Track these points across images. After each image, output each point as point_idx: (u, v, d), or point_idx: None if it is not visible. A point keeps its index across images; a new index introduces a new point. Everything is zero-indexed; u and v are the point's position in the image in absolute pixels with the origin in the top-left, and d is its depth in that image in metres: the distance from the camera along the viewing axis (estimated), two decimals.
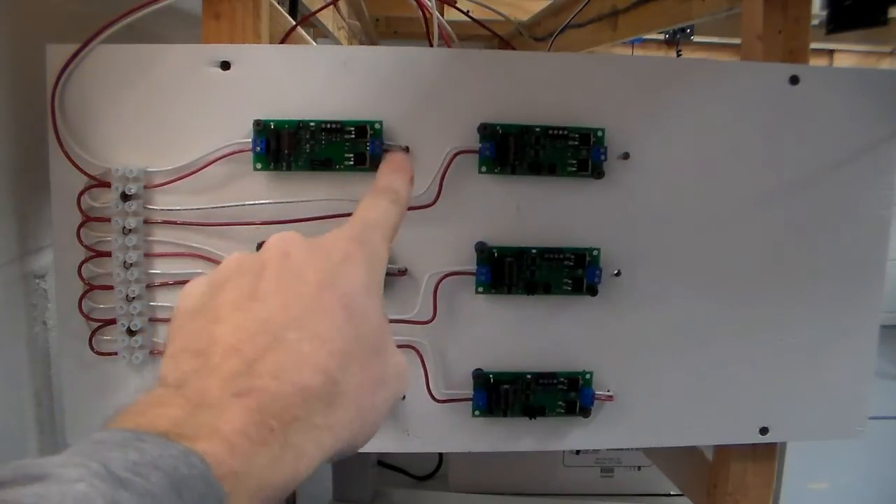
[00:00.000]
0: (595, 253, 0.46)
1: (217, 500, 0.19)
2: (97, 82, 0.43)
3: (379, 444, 0.48)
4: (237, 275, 0.26)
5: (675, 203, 0.47)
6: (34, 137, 0.46)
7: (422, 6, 0.50)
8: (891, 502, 1.21)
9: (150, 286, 0.45)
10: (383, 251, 0.29)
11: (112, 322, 0.45)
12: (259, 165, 0.44)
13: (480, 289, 0.46)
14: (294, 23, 0.54)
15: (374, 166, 0.44)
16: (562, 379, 0.48)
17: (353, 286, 0.27)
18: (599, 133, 0.45)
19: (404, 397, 0.47)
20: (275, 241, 0.28)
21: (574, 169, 0.45)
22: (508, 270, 0.46)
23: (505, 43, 0.88)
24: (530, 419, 0.48)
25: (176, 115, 0.44)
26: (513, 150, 0.44)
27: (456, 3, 0.79)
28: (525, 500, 0.94)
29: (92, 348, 0.45)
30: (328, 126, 0.43)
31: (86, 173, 0.43)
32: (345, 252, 0.27)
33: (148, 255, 0.44)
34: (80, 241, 0.44)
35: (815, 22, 0.50)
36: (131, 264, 0.43)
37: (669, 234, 0.47)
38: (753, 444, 0.52)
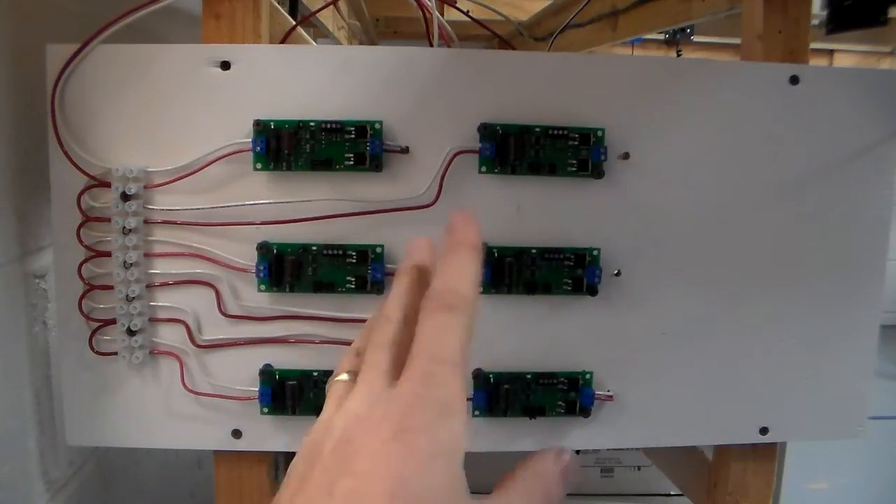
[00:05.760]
0: (595, 253, 0.46)
1: None
2: (97, 82, 0.43)
3: None
4: (301, 469, 0.23)
5: (675, 203, 0.47)
6: (34, 137, 0.46)
7: (422, 6, 0.50)
8: (891, 502, 1.21)
9: (150, 286, 0.45)
10: (456, 390, 0.23)
11: (112, 322, 0.45)
12: (259, 165, 0.44)
13: (480, 289, 0.46)
14: (294, 23, 0.54)
15: (374, 166, 0.44)
16: (562, 379, 0.48)
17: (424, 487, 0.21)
18: (599, 133, 0.45)
19: None
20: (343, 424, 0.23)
21: (574, 169, 0.45)
22: (508, 270, 0.46)
23: (505, 43, 0.88)
24: (530, 419, 0.48)
25: (176, 115, 0.44)
26: (513, 150, 0.44)
27: (456, 3, 0.79)
28: None
29: (92, 348, 0.45)
30: (328, 126, 0.43)
31: (86, 173, 0.43)
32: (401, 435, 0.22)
33: (148, 255, 0.44)
34: (80, 241, 0.44)
35: (815, 22, 0.50)
36: (131, 264, 0.44)
37: (669, 234, 0.47)
38: (753, 444, 0.52)
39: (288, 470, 0.25)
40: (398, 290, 0.27)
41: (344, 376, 0.27)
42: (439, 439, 0.22)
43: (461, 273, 0.25)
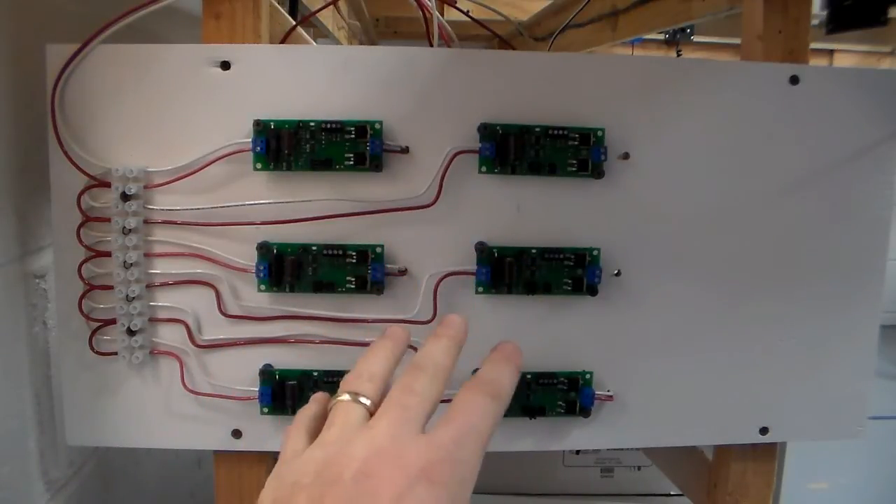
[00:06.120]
0: (595, 253, 0.46)
1: None
2: (97, 82, 0.43)
3: None
4: (311, 486, 0.24)
5: (674, 203, 0.47)
6: (34, 137, 0.46)
7: (422, 6, 0.50)
8: (891, 502, 1.21)
9: (150, 286, 0.45)
10: (476, 464, 0.26)
11: (112, 322, 0.45)
12: (259, 165, 0.44)
13: (480, 289, 0.46)
14: (294, 23, 0.54)
15: (374, 166, 0.44)
16: (562, 379, 0.48)
17: None
18: (599, 133, 0.45)
19: None
20: (362, 452, 0.25)
21: (574, 169, 0.45)
22: (508, 270, 0.46)
23: (505, 43, 0.88)
24: (530, 419, 0.48)
25: (176, 115, 0.44)
26: (513, 150, 0.44)
27: (456, 3, 0.79)
28: (525, 500, 0.94)
29: (92, 348, 0.45)
30: (328, 126, 0.43)
31: (86, 173, 0.43)
32: (427, 476, 0.24)
33: (148, 255, 0.44)
34: (80, 241, 0.44)
35: (815, 22, 0.50)
36: (131, 264, 0.44)
37: (669, 234, 0.47)
38: (753, 444, 0.52)
39: (280, 473, 0.26)
40: (437, 350, 0.30)
41: (346, 397, 0.28)
42: (454, 499, 0.24)
43: (506, 375, 0.30)
